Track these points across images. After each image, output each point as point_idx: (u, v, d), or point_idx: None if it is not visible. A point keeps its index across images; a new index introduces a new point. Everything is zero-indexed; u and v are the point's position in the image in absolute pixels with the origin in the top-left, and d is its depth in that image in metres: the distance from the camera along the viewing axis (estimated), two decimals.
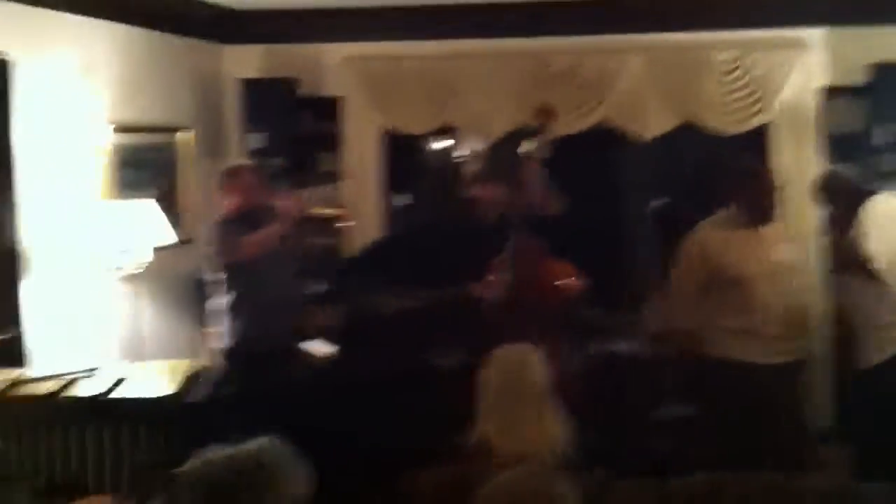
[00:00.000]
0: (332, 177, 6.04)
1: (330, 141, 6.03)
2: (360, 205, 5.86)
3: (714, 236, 4.19)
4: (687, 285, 4.23)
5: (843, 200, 4.39)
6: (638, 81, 5.51)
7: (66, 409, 3.60)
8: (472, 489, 2.21)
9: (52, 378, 3.76)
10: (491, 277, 4.47)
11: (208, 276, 4.81)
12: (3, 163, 4.32)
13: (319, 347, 5.13)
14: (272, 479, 1.76)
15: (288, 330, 4.79)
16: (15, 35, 4.34)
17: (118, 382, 3.77)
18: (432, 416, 4.16)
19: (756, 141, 5.46)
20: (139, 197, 4.93)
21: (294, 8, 5.79)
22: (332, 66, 5.99)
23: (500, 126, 5.70)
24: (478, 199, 4.82)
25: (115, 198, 4.91)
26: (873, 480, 3.02)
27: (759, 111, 5.37)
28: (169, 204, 5.48)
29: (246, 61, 6.13)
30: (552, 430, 2.98)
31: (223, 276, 4.63)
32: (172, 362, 4.06)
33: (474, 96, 5.74)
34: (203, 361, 4.55)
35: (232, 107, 6.08)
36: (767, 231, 4.17)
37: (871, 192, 4.39)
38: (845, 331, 4.72)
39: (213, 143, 6.05)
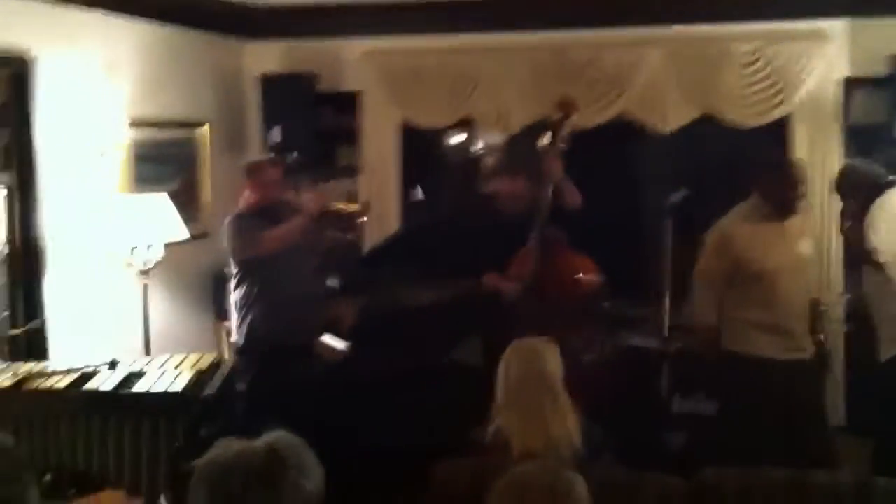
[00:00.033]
0: (351, 171, 6.06)
1: (349, 136, 6.06)
2: (378, 199, 5.86)
3: (738, 229, 4.14)
4: (710, 278, 4.19)
5: (860, 193, 4.35)
6: (658, 74, 5.49)
7: (86, 403, 3.63)
8: (489, 482, 2.21)
9: (71, 371, 3.80)
10: (513, 271, 4.47)
11: (227, 271, 4.83)
12: (25, 159, 4.38)
13: (335, 343, 5.15)
14: (287, 473, 1.76)
15: (306, 325, 4.79)
16: (37, 32, 4.39)
17: (137, 376, 3.80)
18: (450, 410, 4.17)
19: (776, 133, 5.42)
20: (160, 191, 4.97)
21: (313, 4, 5.80)
22: (352, 61, 6.01)
23: (519, 119, 5.70)
24: (497, 193, 4.80)
25: (135, 192, 4.96)
26: (889, 474, 3.01)
27: (780, 103, 5.33)
28: (189, 198, 5.53)
29: (266, 57, 6.16)
30: (569, 423, 2.98)
31: (240, 270, 4.64)
32: (190, 356, 4.08)
33: (493, 90, 5.74)
34: (220, 355, 4.58)
35: (252, 102, 6.11)
36: (791, 224, 4.12)
37: (889, 185, 4.36)
38: (860, 325, 4.69)
39: (233, 139, 6.09)
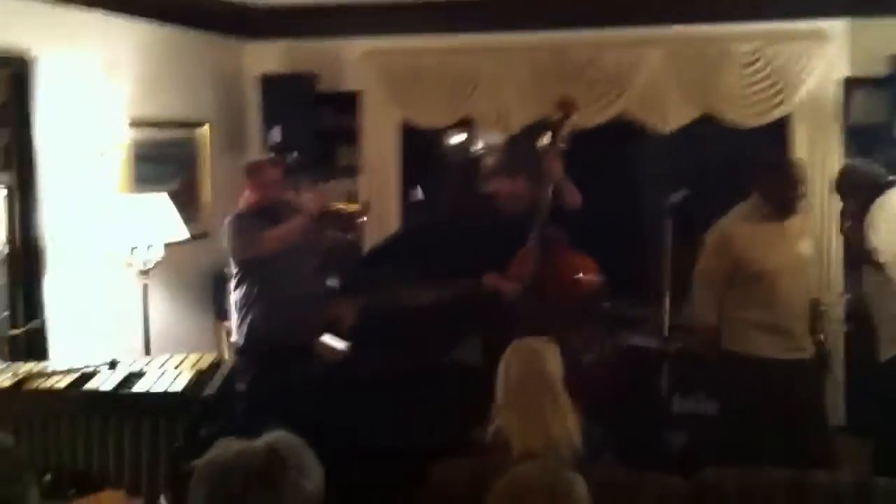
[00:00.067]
0: (351, 171, 6.06)
1: (349, 136, 6.06)
2: (378, 199, 5.86)
3: (738, 228, 4.14)
4: (710, 278, 4.19)
5: (860, 193, 4.35)
6: (658, 74, 5.49)
7: (86, 403, 3.63)
8: (488, 482, 2.21)
9: (71, 371, 3.80)
10: (513, 271, 4.47)
11: (227, 271, 4.83)
12: (25, 159, 4.38)
13: (335, 343, 5.15)
14: (287, 473, 1.76)
15: (306, 325, 4.79)
16: (37, 32, 4.39)
17: (137, 376, 3.80)
18: (450, 410, 4.17)
19: (776, 133, 5.42)
20: (160, 191, 4.97)
21: (313, 4, 5.80)
22: (352, 61, 6.01)
23: (519, 119, 5.70)
24: (497, 193, 4.81)
25: (135, 192, 4.96)
26: (889, 474, 3.01)
27: (780, 103, 5.33)
28: (189, 198, 5.53)
29: (266, 57, 6.17)
30: (569, 423, 2.98)
31: (240, 270, 4.64)
32: (190, 356, 4.08)
33: (493, 90, 5.74)
34: (220, 355, 4.58)
35: (252, 102, 6.12)
36: (791, 224, 4.12)
37: (889, 185, 4.36)
38: (860, 325, 4.70)
39: (233, 139, 6.09)
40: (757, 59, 5.34)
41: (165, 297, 5.28)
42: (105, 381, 3.73)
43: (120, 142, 4.95)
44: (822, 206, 5.17)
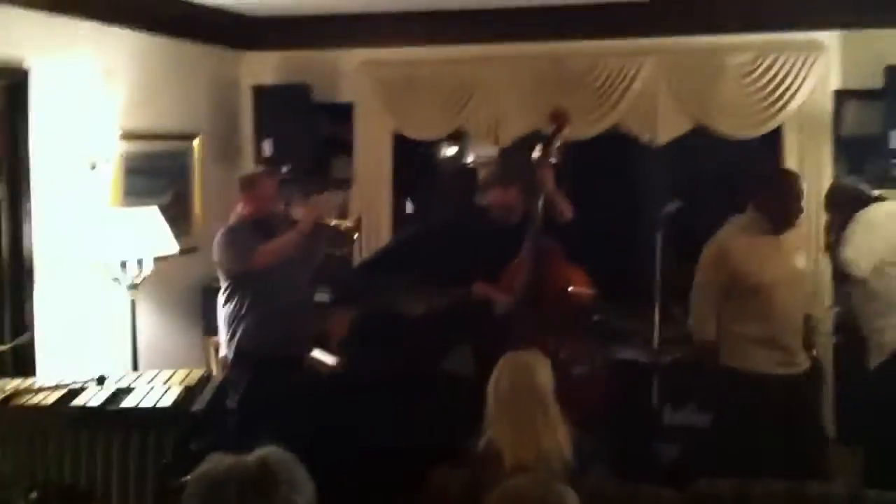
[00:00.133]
0: (346, 182, 6.06)
1: (344, 147, 6.06)
2: (372, 210, 5.88)
3: (734, 242, 4.10)
4: (708, 291, 4.14)
5: (845, 209, 4.41)
6: (652, 85, 5.50)
7: (74, 418, 3.61)
8: (480, 494, 2.21)
9: (59, 387, 3.78)
10: (505, 282, 4.47)
11: (216, 284, 4.82)
12: (16, 171, 4.37)
13: (324, 357, 5.14)
14: (278, 488, 1.76)
15: (297, 337, 4.78)
16: (32, 43, 4.39)
17: (125, 391, 3.79)
18: (441, 421, 4.17)
19: (769, 144, 5.43)
20: (151, 204, 4.95)
21: (309, 15, 5.81)
22: (347, 71, 6.02)
23: (513, 131, 5.71)
24: (491, 204, 4.82)
25: (126, 205, 4.94)
26: (880, 485, 3.02)
27: (774, 114, 5.34)
28: (181, 212, 5.52)
29: (261, 68, 6.17)
30: (560, 436, 2.97)
31: (231, 284, 4.63)
32: (179, 371, 4.07)
33: (488, 101, 5.75)
34: (209, 371, 4.57)
35: (246, 113, 6.11)
36: (787, 238, 4.11)
37: (872, 200, 4.43)
38: (848, 336, 4.73)
39: (226, 150, 6.09)
40: (751, 71, 5.35)
41: (154, 312, 5.27)
42: (93, 397, 3.72)
43: (111, 155, 4.93)
44: (811, 218, 5.17)
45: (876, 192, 4.53)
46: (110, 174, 4.93)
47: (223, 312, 4.66)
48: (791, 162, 5.29)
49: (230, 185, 5.33)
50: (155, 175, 5.35)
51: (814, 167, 5.26)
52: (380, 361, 4.89)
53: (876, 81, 5.12)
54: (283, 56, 6.17)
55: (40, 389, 3.75)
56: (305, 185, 5.80)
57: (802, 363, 4.13)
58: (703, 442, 4.49)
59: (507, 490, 2.15)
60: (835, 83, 5.33)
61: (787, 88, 5.31)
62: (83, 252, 4.64)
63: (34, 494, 3.55)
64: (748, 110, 5.39)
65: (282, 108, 5.88)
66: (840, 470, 4.29)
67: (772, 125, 5.38)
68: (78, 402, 3.68)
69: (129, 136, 5.06)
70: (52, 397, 3.69)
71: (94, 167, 4.81)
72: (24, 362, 4.36)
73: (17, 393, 3.70)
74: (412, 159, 6.27)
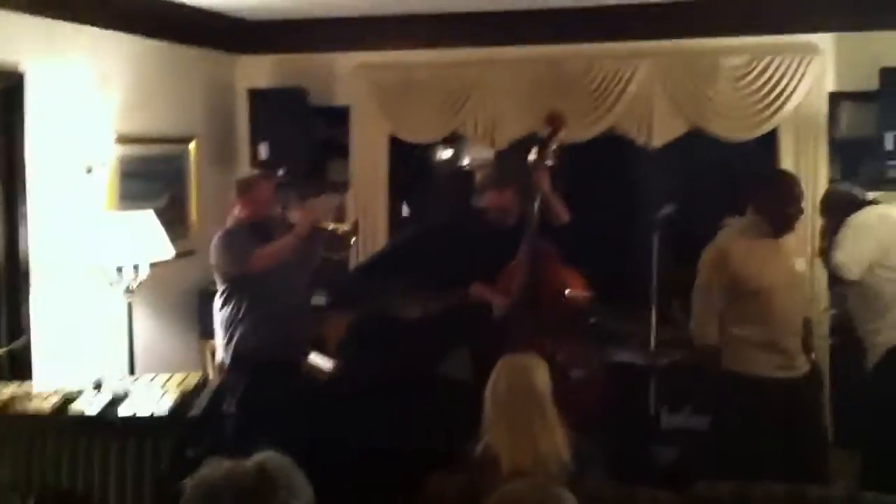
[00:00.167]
0: (342, 185, 6.05)
1: (340, 150, 6.06)
2: (368, 213, 5.88)
3: (734, 245, 4.09)
4: (709, 295, 4.11)
5: (839, 214, 4.43)
6: (648, 88, 5.50)
7: (71, 424, 3.60)
8: (478, 498, 2.21)
9: (57, 393, 3.78)
10: (502, 284, 4.48)
11: (213, 288, 4.81)
12: (12, 175, 4.36)
13: (322, 361, 5.14)
14: (277, 493, 1.75)
15: (294, 341, 4.78)
16: (28, 47, 4.38)
17: (122, 396, 3.78)
18: (438, 424, 4.17)
19: (765, 146, 5.44)
20: (147, 208, 4.94)
21: (305, 18, 5.81)
22: (343, 75, 6.02)
23: (509, 134, 5.71)
24: (488, 207, 4.82)
25: (122, 209, 4.93)
26: (877, 487, 3.02)
27: (769, 117, 5.35)
28: (177, 215, 5.51)
29: (257, 71, 6.17)
30: (558, 439, 2.97)
31: (228, 287, 4.62)
32: (176, 376, 4.06)
33: (484, 104, 5.75)
34: (205, 375, 4.56)
35: (242, 117, 6.11)
36: (785, 241, 4.11)
37: (866, 204, 4.46)
38: (844, 338, 4.75)
39: (221, 154, 6.08)
40: (746, 73, 5.36)
41: (150, 316, 5.26)
42: (90, 402, 3.71)
43: (107, 158, 4.93)
44: (807, 221, 5.18)
45: (870, 196, 4.56)
46: (106, 178, 4.92)
47: (220, 316, 4.66)
48: (786, 164, 5.29)
49: (226, 189, 5.34)
50: (151, 179, 5.34)
51: (809, 169, 5.26)
52: (377, 365, 4.89)
53: (871, 83, 5.13)
54: (278, 59, 6.17)
55: (37, 395, 3.74)
56: (302, 188, 5.80)
57: (802, 366, 4.13)
58: (701, 445, 4.49)
59: (505, 494, 2.15)
60: (830, 85, 5.34)
61: (783, 91, 5.31)
62: (79, 256, 4.62)
63: (32, 500, 3.56)
64: (743, 112, 5.40)
65: (278, 112, 5.87)
66: (838, 472, 4.29)
67: (767, 127, 5.38)
68: (75, 406, 3.67)
69: (124, 139, 5.05)
70: (48, 402, 3.68)
71: (89, 171, 4.80)
72: (20, 366, 4.35)
73: (14, 398, 3.69)
74: (408, 162, 6.27)
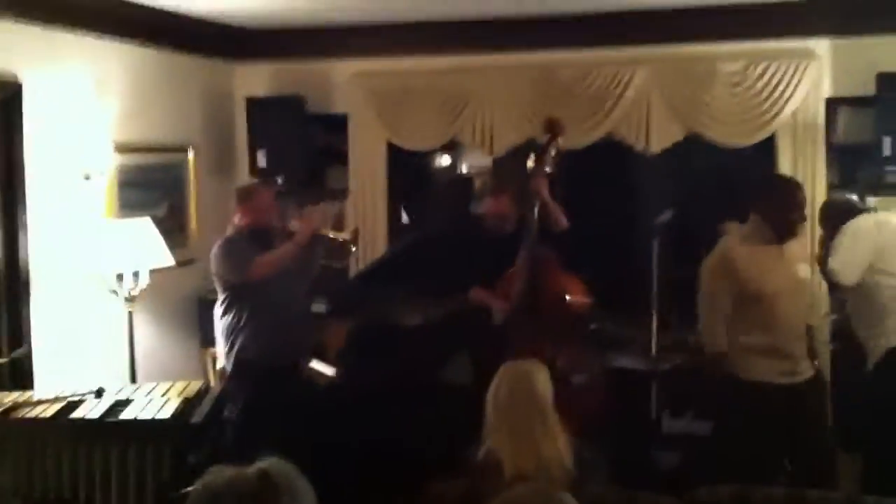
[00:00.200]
0: (341, 193, 6.06)
1: (339, 157, 6.06)
2: (368, 221, 5.88)
3: (737, 251, 4.08)
4: (715, 301, 4.09)
5: (836, 222, 4.45)
6: (645, 93, 5.51)
7: (72, 431, 3.60)
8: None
9: (58, 400, 3.77)
10: (502, 290, 4.48)
11: (213, 296, 4.81)
12: (11, 184, 4.37)
13: (323, 368, 5.13)
14: (279, 500, 1.75)
15: (296, 347, 4.78)
16: (26, 56, 4.39)
17: (123, 404, 3.78)
18: (440, 429, 4.17)
19: (763, 152, 5.44)
20: (147, 216, 4.94)
21: (303, 26, 5.82)
22: (341, 82, 6.02)
23: (507, 140, 5.71)
24: (487, 214, 4.83)
25: (121, 217, 4.94)
26: (878, 490, 3.02)
27: (767, 122, 5.35)
28: (176, 224, 5.51)
29: (255, 79, 6.17)
30: (560, 444, 2.97)
31: (228, 295, 4.62)
32: (177, 384, 4.06)
33: (482, 111, 5.75)
34: (206, 382, 4.56)
35: (240, 125, 6.11)
36: (789, 247, 4.11)
37: (863, 212, 4.50)
38: (845, 343, 4.76)
39: (220, 162, 6.09)
40: (743, 79, 5.36)
41: (151, 324, 5.26)
42: (91, 410, 3.71)
43: (106, 167, 4.93)
44: (806, 226, 5.18)
45: (868, 204, 4.57)
46: (105, 186, 4.93)
47: (221, 324, 4.66)
48: (784, 169, 5.30)
49: (225, 197, 5.34)
50: (149, 187, 5.34)
51: (807, 175, 5.26)
52: (377, 372, 4.89)
53: (868, 89, 5.13)
54: (276, 67, 6.18)
55: (39, 402, 3.75)
56: (300, 196, 5.80)
57: (806, 372, 4.12)
58: (702, 449, 4.48)
59: (507, 500, 2.14)
60: (827, 90, 5.34)
61: (780, 96, 5.32)
62: (79, 264, 4.63)
63: None
64: (741, 118, 5.40)
65: (276, 120, 5.88)
66: (840, 476, 4.28)
67: (765, 133, 5.38)
68: (76, 414, 3.67)
69: (122, 148, 5.06)
70: (50, 410, 3.68)
71: (87, 179, 4.80)
72: (21, 375, 4.35)
73: (15, 406, 3.69)
74: (407, 170, 6.27)
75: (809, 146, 5.32)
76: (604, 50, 5.63)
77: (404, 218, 6.45)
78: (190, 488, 1.78)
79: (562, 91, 5.58)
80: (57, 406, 3.71)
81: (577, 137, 5.37)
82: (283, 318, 4.59)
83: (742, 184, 4.69)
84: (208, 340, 5.15)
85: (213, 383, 4.88)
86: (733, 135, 5.42)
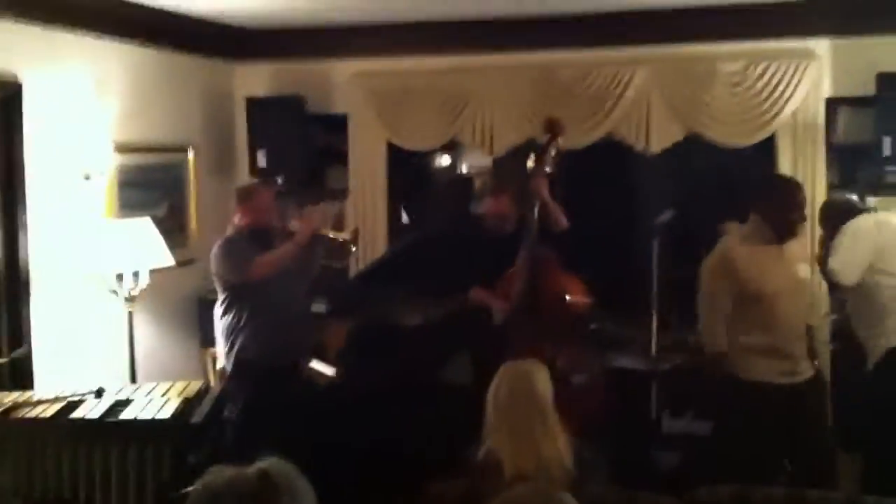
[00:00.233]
0: (341, 193, 6.06)
1: (339, 157, 6.06)
2: (368, 221, 5.88)
3: (737, 251, 4.08)
4: (715, 303, 4.09)
5: (836, 222, 4.46)
6: (645, 93, 5.51)
7: (72, 431, 3.60)
8: None
9: (57, 400, 3.77)
10: (502, 290, 4.48)
11: (213, 296, 4.81)
12: (11, 183, 4.37)
13: (323, 368, 5.13)
14: (279, 500, 1.75)
15: (296, 347, 4.79)
16: (26, 56, 4.39)
17: (123, 404, 3.78)
18: (440, 431, 4.17)
19: (763, 152, 5.44)
20: (146, 216, 4.95)
21: (303, 26, 5.82)
22: (341, 82, 6.02)
23: (507, 141, 5.72)
24: (487, 214, 4.83)
25: (121, 217, 4.94)
26: (880, 489, 3.02)
27: (767, 122, 5.35)
28: (176, 224, 5.51)
29: (255, 79, 6.18)
30: (560, 444, 2.97)
31: (228, 295, 4.62)
32: (177, 384, 4.06)
33: (482, 111, 5.75)
34: (206, 382, 4.56)
35: (240, 125, 6.12)
36: (789, 247, 4.11)
37: (863, 212, 4.51)
38: (845, 343, 4.77)
39: (220, 162, 6.09)
40: (743, 79, 5.36)
41: (151, 324, 5.26)
42: (91, 410, 3.71)
43: (105, 167, 4.93)
44: (805, 226, 5.18)
45: (869, 205, 4.57)
46: (105, 186, 4.93)
47: (221, 324, 4.66)
48: (784, 169, 5.30)
49: (225, 197, 5.34)
50: (149, 187, 5.34)
51: (807, 175, 5.26)
52: (377, 372, 4.89)
53: (868, 89, 5.13)
54: (276, 67, 6.18)
55: (38, 402, 3.75)
56: (300, 196, 5.80)
57: (806, 372, 4.13)
58: (702, 449, 4.48)
59: (507, 500, 2.14)
60: (827, 91, 5.34)
61: (780, 96, 5.31)
62: (79, 264, 4.64)
63: None
64: (741, 118, 5.40)
65: (276, 120, 5.88)
66: (840, 476, 4.29)
67: (765, 133, 5.38)
68: (76, 414, 3.67)
69: (122, 148, 5.06)
70: (50, 410, 3.68)
71: (87, 178, 4.80)
72: (21, 375, 4.35)
73: (15, 406, 3.69)
74: (407, 169, 6.27)
75: (809, 146, 5.32)
76: (604, 50, 5.63)
77: (404, 218, 6.45)
78: (190, 488, 1.78)
79: (562, 91, 5.58)
80: (57, 406, 3.72)
81: (577, 137, 5.37)
82: (283, 318, 4.59)
83: (742, 184, 4.69)
84: (208, 340, 5.15)
85: (213, 383, 4.87)
86: (733, 135, 5.42)
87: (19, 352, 4.33)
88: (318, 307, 5.41)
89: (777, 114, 5.32)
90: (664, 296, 4.76)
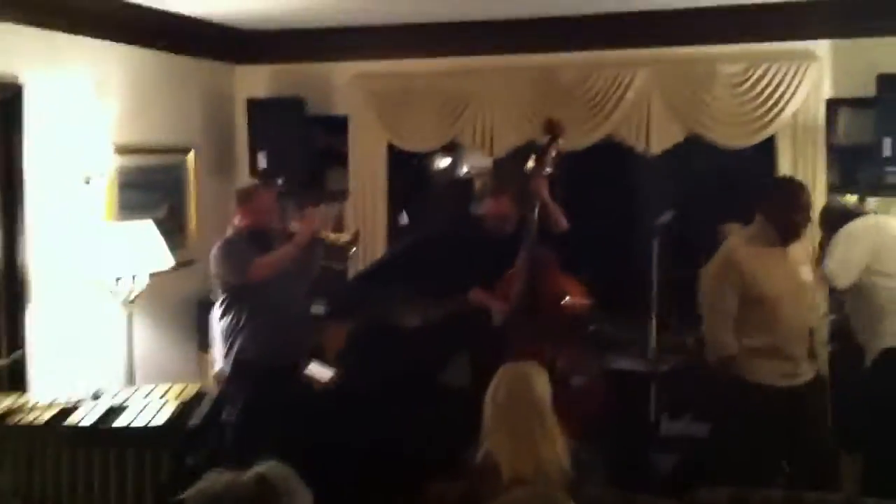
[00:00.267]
0: (341, 194, 6.06)
1: (339, 159, 6.06)
2: (367, 222, 5.88)
3: (741, 252, 4.08)
4: (720, 305, 4.07)
5: (834, 226, 4.48)
6: (646, 95, 5.50)
7: (70, 435, 3.60)
8: None
9: (55, 404, 3.77)
10: (502, 291, 4.48)
11: (212, 298, 4.81)
12: (11, 186, 4.37)
13: (321, 371, 5.13)
14: (278, 503, 1.76)
15: (295, 349, 4.78)
16: (26, 58, 4.39)
17: (121, 407, 3.78)
18: (439, 433, 4.17)
19: (763, 153, 5.44)
20: (146, 218, 4.94)
21: (303, 28, 5.82)
22: (341, 84, 6.03)
23: (507, 142, 5.72)
24: (487, 215, 4.83)
25: (121, 219, 4.94)
26: (880, 490, 3.02)
27: (768, 123, 5.35)
28: (176, 225, 5.51)
29: (255, 81, 6.18)
30: (558, 447, 2.97)
31: (228, 296, 4.62)
32: (175, 386, 4.06)
33: (482, 112, 5.76)
34: (205, 385, 4.56)
35: (240, 127, 6.12)
36: (792, 249, 4.11)
37: (857, 216, 4.53)
38: (844, 344, 4.77)
39: (220, 164, 6.09)
40: (743, 80, 5.36)
41: (149, 326, 5.25)
42: (89, 413, 3.70)
43: (106, 168, 4.93)
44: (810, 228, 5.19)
45: (870, 206, 4.57)
46: (105, 188, 4.93)
47: (220, 326, 4.66)
48: (784, 171, 5.29)
49: (225, 199, 5.35)
50: (149, 189, 5.35)
51: (807, 176, 5.25)
52: (377, 373, 4.89)
53: (868, 90, 5.12)
54: (276, 69, 6.18)
55: (35, 406, 3.74)
56: (300, 197, 5.80)
57: (806, 374, 4.13)
58: (701, 451, 4.48)
59: (506, 501, 2.15)
60: (827, 92, 5.33)
61: (780, 97, 5.31)
62: (78, 266, 4.63)
63: None
64: (741, 119, 5.39)
65: (276, 121, 5.88)
66: (840, 477, 4.29)
67: (765, 134, 5.37)
68: (74, 418, 3.67)
69: (123, 150, 5.06)
70: (47, 414, 3.68)
71: (88, 181, 4.80)
72: (19, 377, 4.35)
73: (12, 410, 3.69)
74: (407, 171, 6.27)
75: (810, 147, 5.32)
76: (604, 51, 5.63)
77: (404, 219, 6.45)
78: (189, 493, 1.78)
79: (562, 92, 5.57)
80: (55, 410, 3.72)
81: (577, 138, 5.37)
82: (282, 319, 4.59)
83: (742, 185, 4.69)
84: (207, 343, 5.15)
85: (213, 386, 4.87)
86: (733, 136, 5.41)
87: (18, 353, 4.33)
88: (318, 308, 5.41)
89: (777, 115, 5.32)
90: (664, 297, 4.76)
